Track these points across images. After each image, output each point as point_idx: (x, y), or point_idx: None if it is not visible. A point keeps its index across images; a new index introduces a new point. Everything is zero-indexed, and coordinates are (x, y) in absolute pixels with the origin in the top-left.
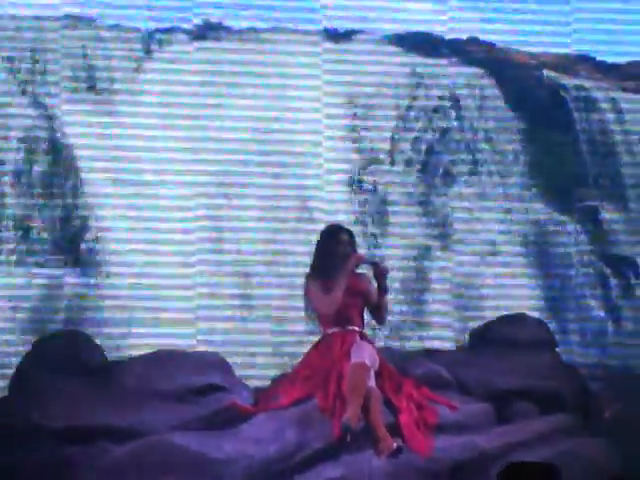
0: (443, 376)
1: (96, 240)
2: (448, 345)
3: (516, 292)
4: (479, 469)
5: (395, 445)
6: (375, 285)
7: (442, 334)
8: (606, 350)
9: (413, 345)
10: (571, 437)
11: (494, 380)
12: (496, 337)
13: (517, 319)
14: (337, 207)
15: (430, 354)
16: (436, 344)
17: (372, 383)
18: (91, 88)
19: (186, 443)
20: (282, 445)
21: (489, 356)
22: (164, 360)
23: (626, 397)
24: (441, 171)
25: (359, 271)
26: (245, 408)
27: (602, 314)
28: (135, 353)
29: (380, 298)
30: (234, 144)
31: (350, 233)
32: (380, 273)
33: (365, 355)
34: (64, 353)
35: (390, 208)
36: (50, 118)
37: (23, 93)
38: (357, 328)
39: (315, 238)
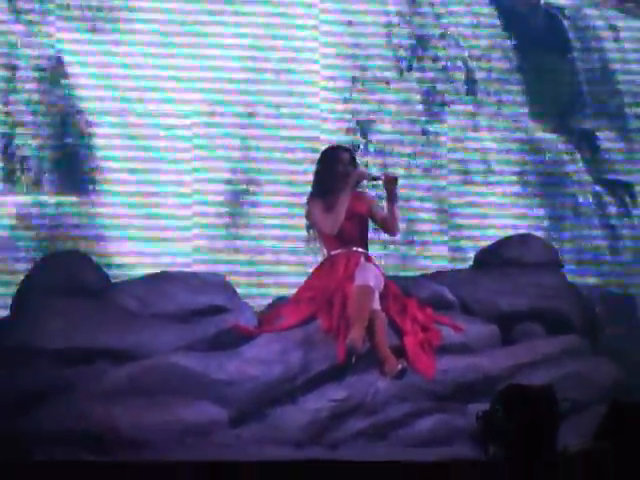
0: (447, 297)
1: (92, 162)
2: None
3: (511, 218)
4: (484, 391)
5: (399, 366)
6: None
7: (438, 262)
8: (604, 275)
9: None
10: (577, 358)
11: (499, 301)
12: (501, 258)
13: (522, 240)
14: (332, 138)
15: (434, 276)
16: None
17: (376, 305)
18: (89, 16)
19: (188, 364)
20: (286, 367)
21: (494, 277)
22: (165, 281)
23: (623, 321)
24: (435, 97)
25: (361, 190)
26: (248, 329)
27: (599, 239)
28: (132, 273)
29: (390, 207)
30: (231, 70)
31: (350, 152)
32: (389, 181)
33: (369, 277)
34: (64, 274)
35: (384, 137)
36: (48, 48)
37: (20, 23)
38: (361, 249)
39: (313, 155)
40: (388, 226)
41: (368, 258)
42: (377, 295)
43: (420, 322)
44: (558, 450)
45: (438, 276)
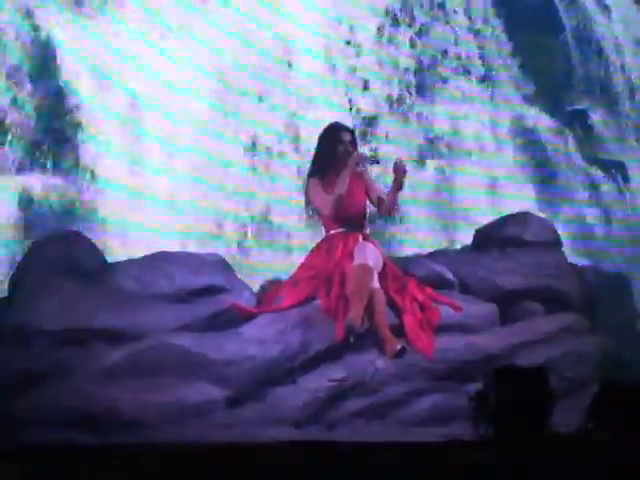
0: (446, 277)
1: (81, 143)
2: None
3: (505, 198)
4: (483, 370)
5: (399, 346)
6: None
7: (431, 241)
8: (597, 253)
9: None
10: (577, 337)
11: (498, 280)
12: (500, 237)
13: (521, 218)
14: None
15: (432, 255)
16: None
17: (376, 284)
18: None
19: (186, 344)
20: (285, 346)
21: (493, 256)
22: (163, 261)
23: (616, 299)
24: (426, 77)
25: (360, 170)
26: (247, 309)
27: (592, 218)
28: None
29: (394, 194)
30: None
31: (352, 132)
32: (399, 169)
33: (368, 256)
34: (62, 254)
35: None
36: (36, 25)
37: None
38: (360, 229)
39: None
40: (384, 208)
41: (366, 237)
42: (376, 274)
43: (419, 301)
44: (552, 430)
45: (437, 255)
